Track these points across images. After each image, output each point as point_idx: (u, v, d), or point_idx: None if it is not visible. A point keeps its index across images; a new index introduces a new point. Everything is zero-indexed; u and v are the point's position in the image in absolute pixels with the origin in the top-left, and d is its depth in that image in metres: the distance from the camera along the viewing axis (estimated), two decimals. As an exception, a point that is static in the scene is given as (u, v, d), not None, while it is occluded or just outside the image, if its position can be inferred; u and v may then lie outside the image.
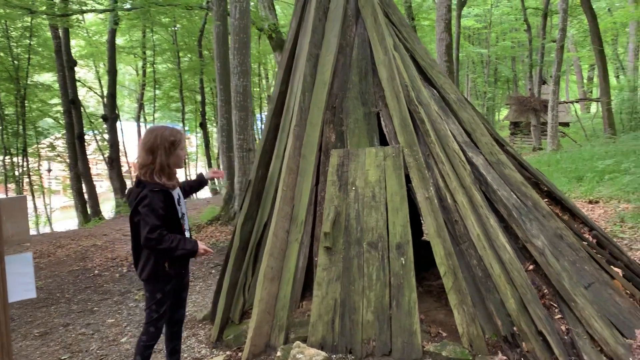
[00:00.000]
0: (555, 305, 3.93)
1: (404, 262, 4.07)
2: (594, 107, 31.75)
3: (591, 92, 34.00)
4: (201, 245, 3.31)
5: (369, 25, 4.88)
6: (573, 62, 36.29)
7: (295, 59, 5.18)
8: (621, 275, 4.40)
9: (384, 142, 4.70)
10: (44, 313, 6.41)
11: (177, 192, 3.41)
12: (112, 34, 18.06)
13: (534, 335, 3.69)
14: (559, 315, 3.87)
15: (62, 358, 4.80)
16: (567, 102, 26.25)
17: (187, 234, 3.47)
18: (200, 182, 4.02)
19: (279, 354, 3.88)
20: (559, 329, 3.79)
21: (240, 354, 4.25)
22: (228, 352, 4.36)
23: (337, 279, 4.13)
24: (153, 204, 3.13)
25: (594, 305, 3.89)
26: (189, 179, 3.91)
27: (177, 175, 3.50)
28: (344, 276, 4.13)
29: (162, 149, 3.23)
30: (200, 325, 5.25)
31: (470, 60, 38.17)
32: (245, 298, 4.75)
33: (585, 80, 36.54)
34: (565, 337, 3.75)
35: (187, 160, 29.25)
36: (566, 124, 26.36)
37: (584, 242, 4.50)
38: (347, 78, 4.85)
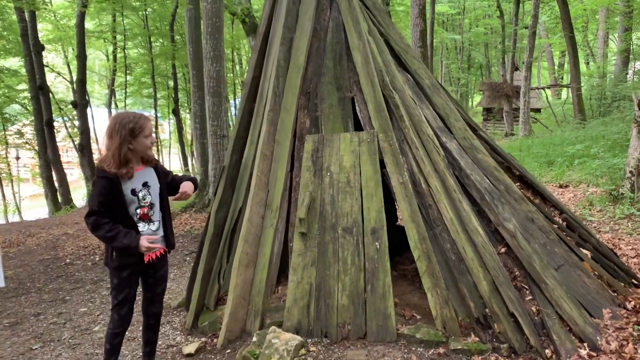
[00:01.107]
0: (526, 287, 4.01)
1: (378, 247, 4.09)
2: (564, 93, 32.33)
3: (562, 78, 34.56)
4: (144, 243, 3.19)
5: (343, 9, 4.84)
6: (544, 49, 36.78)
7: (269, 42, 5.12)
8: (590, 257, 4.51)
9: (358, 127, 4.70)
10: (14, 303, 6.28)
11: (140, 181, 3.31)
12: (81, 17, 17.55)
13: (506, 316, 3.76)
14: (530, 297, 3.95)
15: (34, 348, 4.71)
16: (538, 89, 26.61)
17: (154, 226, 3.40)
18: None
19: (254, 339, 3.88)
20: (530, 310, 3.87)
21: (215, 340, 4.23)
22: (203, 339, 4.34)
23: (312, 264, 4.14)
24: (96, 189, 3.16)
25: (564, 287, 3.98)
26: (182, 176, 3.73)
27: (145, 163, 3.42)
28: (319, 261, 4.14)
29: (118, 136, 3.16)
30: (175, 312, 5.21)
31: (444, 47, 38.38)
32: (220, 284, 4.73)
33: (556, 67, 37.11)
34: (536, 318, 3.83)
35: (160, 147, 28.87)
36: (538, 110, 26.77)
37: (554, 225, 4.59)
38: (321, 62, 4.81)
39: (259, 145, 4.60)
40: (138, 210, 3.29)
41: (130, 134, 3.19)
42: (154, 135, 3.42)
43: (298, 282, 4.10)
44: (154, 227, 3.37)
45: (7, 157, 23.16)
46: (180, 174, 3.75)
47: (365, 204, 4.24)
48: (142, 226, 3.31)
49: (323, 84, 4.74)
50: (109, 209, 3.17)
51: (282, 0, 5.04)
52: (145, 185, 3.35)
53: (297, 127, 4.66)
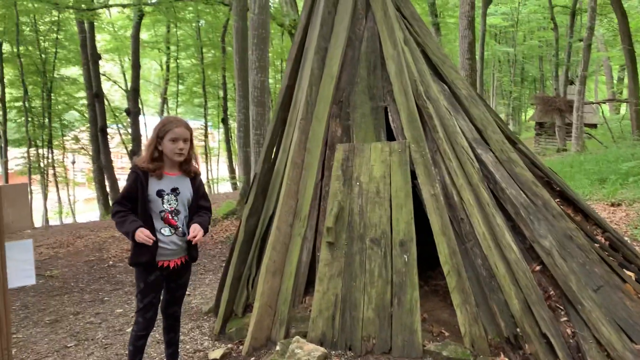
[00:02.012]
0: (562, 308, 3.83)
1: (406, 260, 4.00)
2: (623, 108, 31.01)
3: (621, 92, 33.23)
4: (140, 234, 3.13)
5: (379, 18, 4.81)
6: (603, 62, 35.52)
7: (304, 52, 5.13)
8: (634, 278, 4.26)
9: (391, 137, 4.63)
10: (57, 301, 6.50)
11: (169, 185, 3.37)
12: (137, 28, 18.28)
13: (538, 337, 3.59)
14: (565, 318, 3.77)
15: (68, 345, 4.85)
16: (593, 103, 25.64)
17: (180, 232, 3.41)
18: None
19: (277, 348, 3.85)
20: (565, 332, 3.68)
21: (241, 347, 4.23)
22: (229, 345, 4.35)
23: (338, 274, 4.08)
24: (126, 182, 3.35)
25: (603, 309, 3.77)
26: (201, 214, 3.58)
27: (181, 168, 3.46)
28: (346, 272, 4.08)
29: (151, 136, 3.36)
30: (205, 317, 5.26)
31: (497, 59, 37.62)
32: (249, 291, 4.73)
33: (615, 81, 35.73)
34: (571, 341, 3.64)
35: (209, 155, 29.46)
36: (593, 126, 25.78)
37: (595, 244, 4.37)
38: (355, 72, 4.78)
39: (290, 153, 4.61)
40: (162, 213, 3.33)
41: (157, 135, 3.31)
42: (183, 143, 3.37)
43: (324, 292, 4.05)
44: (180, 232, 3.40)
45: (63, 162, 24.21)
46: (202, 212, 3.57)
47: (395, 215, 4.16)
48: (167, 231, 3.35)
49: (356, 93, 4.71)
50: (132, 203, 3.28)
51: (318, 10, 5.05)
52: (174, 190, 3.39)
53: (329, 135, 4.64)
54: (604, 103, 26.63)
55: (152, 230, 3.29)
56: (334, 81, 4.66)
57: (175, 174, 3.43)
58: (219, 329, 4.64)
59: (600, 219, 4.75)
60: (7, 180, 19.09)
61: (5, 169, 19.68)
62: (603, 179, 11.24)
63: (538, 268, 4.00)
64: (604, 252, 4.35)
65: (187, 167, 3.47)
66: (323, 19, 4.91)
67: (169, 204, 3.34)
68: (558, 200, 4.68)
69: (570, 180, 11.35)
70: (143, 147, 3.59)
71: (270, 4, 12.01)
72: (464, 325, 3.77)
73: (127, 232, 3.20)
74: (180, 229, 3.41)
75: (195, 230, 3.35)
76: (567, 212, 4.58)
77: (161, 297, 3.55)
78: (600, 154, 14.90)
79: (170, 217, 3.35)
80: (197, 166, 3.57)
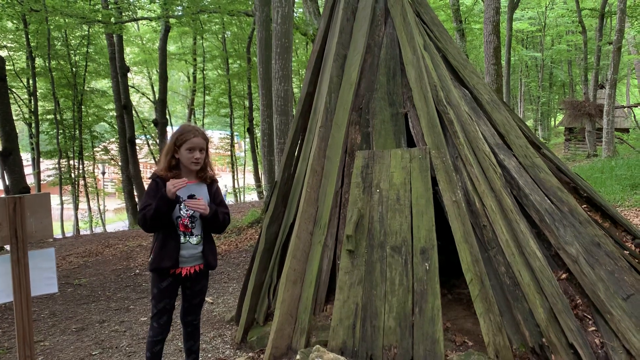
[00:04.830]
0: (589, 317, 3.71)
1: (428, 268, 3.93)
2: (657, 112, 30.15)
3: (654, 96, 32.37)
4: (169, 186, 3.14)
5: (398, 24, 4.78)
6: (635, 65, 34.65)
7: (323, 60, 5.13)
8: (666, 287, 4.10)
9: (412, 144, 4.58)
10: (84, 309, 6.60)
11: (186, 192, 3.39)
12: (164, 40, 18.58)
13: (565, 347, 3.48)
14: (593, 328, 3.65)
15: (93, 353, 4.91)
16: (625, 107, 25.02)
17: (195, 239, 3.42)
18: None
19: (298, 357, 3.82)
20: (593, 342, 3.56)
21: (262, 356, 4.22)
22: (250, 354, 4.34)
23: (359, 282, 4.04)
24: (146, 191, 3.39)
25: (633, 318, 3.64)
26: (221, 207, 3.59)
27: (193, 176, 3.47)
28: (366, 280, 4.03)
29: (168, 143, 3.41)
30: (227, 326, 5.27)
31: (524, 64, 37.09)
32: (270, 300, 4.73)
33: (647, 84, 34.80)
34: (599, 351, 3.52)
35: (235, 165, 29.71)
36: (625, 130, 25.17)
37: (625, 251, 4.23)
38: (374, 78, 4.76)
39: (310, 160, 4.59)
40: (179, 220, 3.35)
41: (174, 143, 3.35)
42: (199, 153, 3.37)
43: (344, 301, 4.01)
44: (194, 240, 3.41)
45: (94, 172, 24.72)
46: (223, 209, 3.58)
47: (415, 222, 4.10)
48: (182, 238, 3.37)
49: (375, 100, 4.68)
50: None
51: (336, 17, 5.05)
52: (190, 197, 3.41)
53: (348, 143, 4.61)
54: (636, 107, 25.96)
55: (174, 234, 3.34)
56: (353, 88, 4.64)
57: (192, 181, 3.46)
58: (241, 338, 4.63)
59: (629, 225, 4.60)
60: (39, 191, 19.55)
61: (38, 180, 20.19)
62: (635, 184, 10.95)
63: (564, 276, 3.89)
64: (634, 259, 4.21)
65: (203, 175, 3.50)
66: (342, 26, 4.90)
67: (186, 211, 3.36)
68: (585, 206, 4.56)
69: (601, 186, 11.08)
70: (161, 155, 3.60)
71: (294, 13, 12.08)
72: (488, 334, 3.68)
73: (160, 203, 3.17)
74: (197, 236, 3.42)
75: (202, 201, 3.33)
76: (595, 218, 4.46)
77: (174, 304, 3.56)
78: (632, 159, 14.52)
79: (185, 224, 3.37)
80: (212, 173, 3.59)
